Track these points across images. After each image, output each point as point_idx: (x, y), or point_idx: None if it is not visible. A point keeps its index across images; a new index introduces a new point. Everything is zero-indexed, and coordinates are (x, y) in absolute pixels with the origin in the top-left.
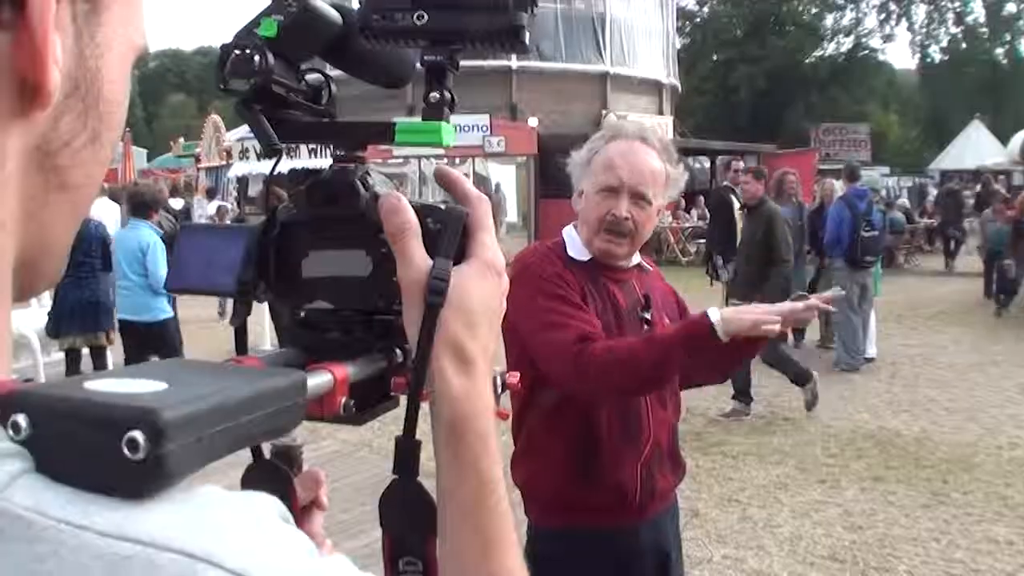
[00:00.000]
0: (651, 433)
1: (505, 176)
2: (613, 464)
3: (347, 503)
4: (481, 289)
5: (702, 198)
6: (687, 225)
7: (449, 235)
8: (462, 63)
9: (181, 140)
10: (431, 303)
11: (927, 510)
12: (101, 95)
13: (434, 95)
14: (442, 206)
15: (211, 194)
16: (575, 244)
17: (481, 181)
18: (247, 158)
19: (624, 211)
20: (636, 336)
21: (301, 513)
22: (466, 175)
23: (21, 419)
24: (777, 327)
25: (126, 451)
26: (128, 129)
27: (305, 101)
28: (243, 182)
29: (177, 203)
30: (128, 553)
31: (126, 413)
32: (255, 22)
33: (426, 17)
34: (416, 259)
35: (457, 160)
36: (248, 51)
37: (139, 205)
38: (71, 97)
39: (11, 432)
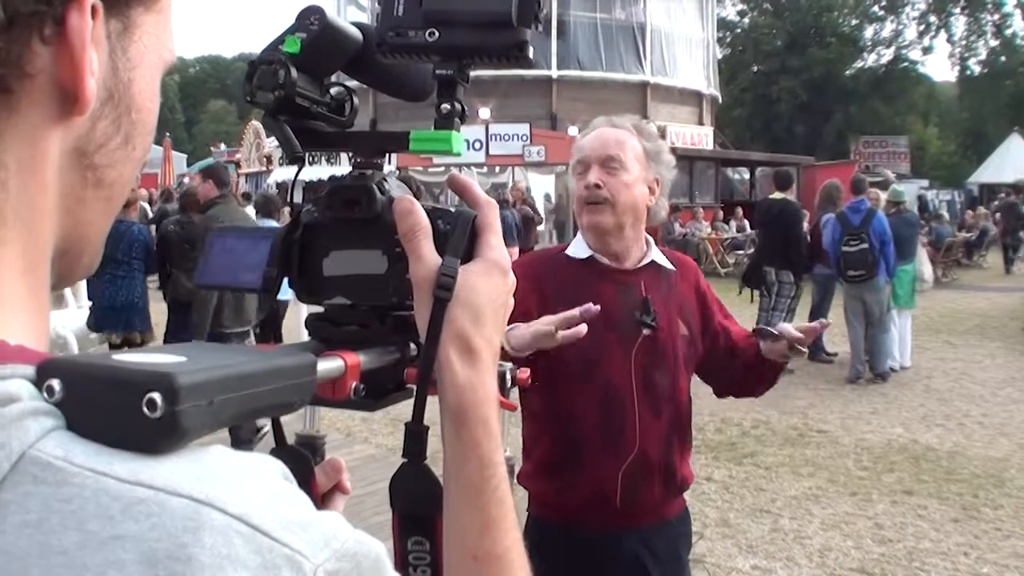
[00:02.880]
0: (637, 443)
1: (545, 185)
2: (592, 472)
3: (380, 506)
4: (487, 286)
5: (740, 209)
6: (726, 236)
7: (458, 235)
8: (502, 73)
9: (222, 145)
10: (439, 297)
11: (957, 524)
12: (133, 103)
13: (445, 106)
14: (452, 209)
15: (247, 199)
16: (578, 242)
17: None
18: (284, 164)
19: (594, 178)
20: (625, 343)
21: (324, 498)
22: (503, 184)
23: (55, 383)
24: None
25: (145, 410)
26: (167, 134)
27: (328, 113)
28: (283, 188)
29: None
30: (142, 496)
31: (146, 377)
32: (280, 39)
33: (437, 34)
34: (426, 257)
35: (497, 169)
36: (273, 66)
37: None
38: (106, 105)
39: (46, 395)
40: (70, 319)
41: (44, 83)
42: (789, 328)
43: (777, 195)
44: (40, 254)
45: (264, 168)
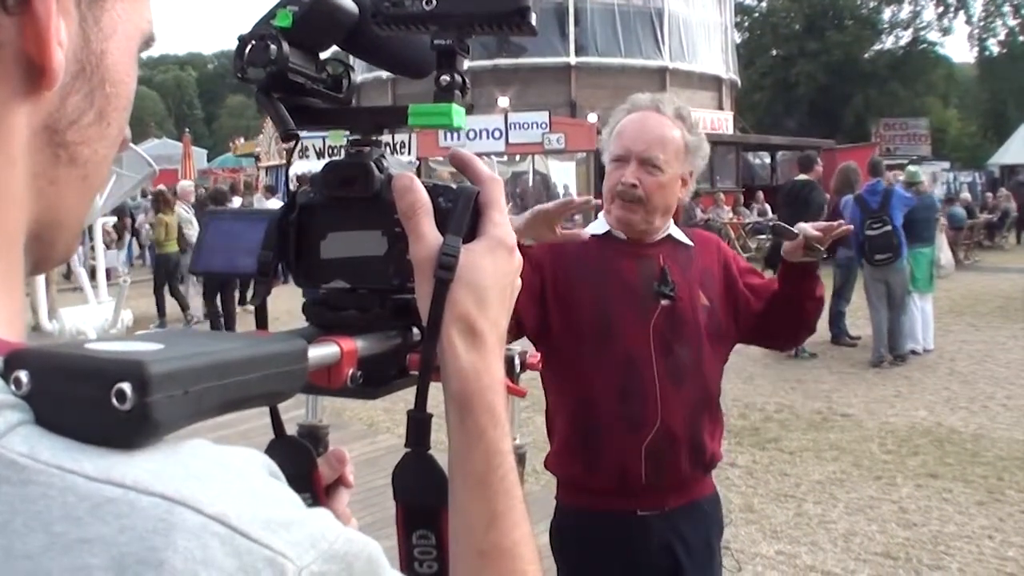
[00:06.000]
0: (659, 417)
1: (565, 173)
2: (615, 447)
3: None
4: (492, 265)
5: (761, 193)
6: (748, 221)
7: (460, 213)
8: (521, 61)
9: (241, 140)
10: (440, 278)
11: (982, 507)
12: (107, 76)
13: (445, 78)
14: (454, 185)
15: (271, 192)
16: (598, 220)
17: (539, 178)
18: (306, 156)
19: (631, 177)
20: (643, 314)
21: (327, 491)
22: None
23: (23, 375)
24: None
25: (115, 402)
26: (187, 130)
27: (324, 89)
28: (303, 180)
29: (236, 201)
30: (112, 495)
31: (116, 367)
32: (271, 13)
33: (434, 2)
34: (427, 236)
35: (517, 157)
36: (264, 41)
37: None
38: (77, 78)
39: (13, 387)
40: (90, 315)
41: (8, 56)
42: (807, 227)
43: (801, 177)
44: (11, 239)
45: (284, 161)
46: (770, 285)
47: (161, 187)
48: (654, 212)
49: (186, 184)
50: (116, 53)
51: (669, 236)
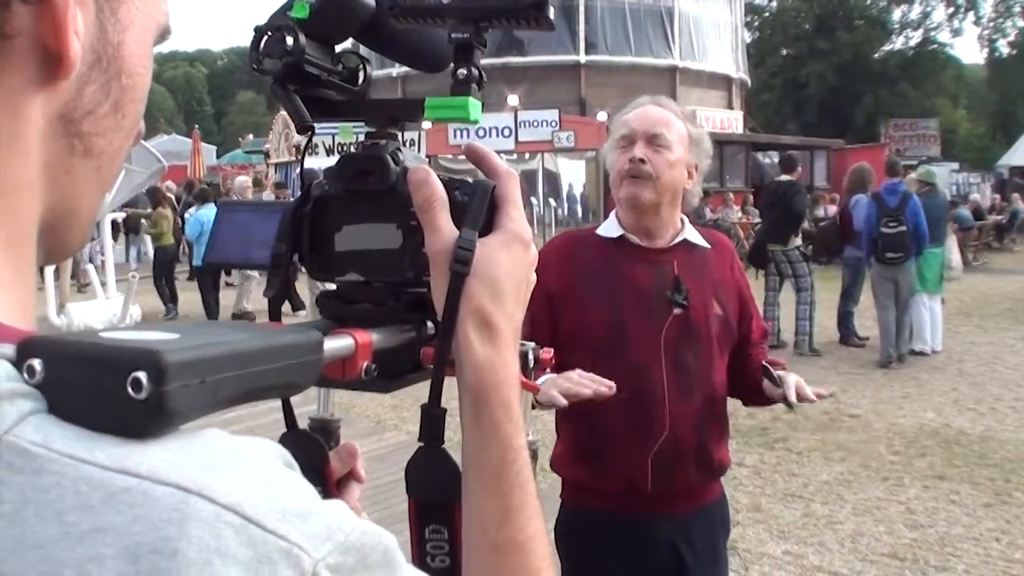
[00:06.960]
0: (667, 427)
1: (574, 171)
2: (622, 455)
3: None
4: (508, 259)
5: None
6: (756, 220)
7: (476, 207)
8: (531, 59)
9: (250, 136)
10: (456, 272)
11: (989, 509)
12: (123, 67)
13: (462, 71)
14: (470, 179)
15: (280, 188)
16: (609, 222)
17: (549, 177)
18: (315, 153)
19: (639, 152)
20: (655, 322)
21: (338, 485)
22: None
23: (36, 363)
24: (564, 402)
25: (130, 391)
26: (196, 126)
27: (340, 81)
28: (308, 178)
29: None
30: (125, 485)
31: (131, 355)
32: (288, 5)
33: None
34: (443, 230)
35: (527, 155)
36: (280, 32)
37: None
38: (93, 69)
39: (26, 375)
40: (99, 310)
41: (25, 45)
42: (791, 384)
43: (784, 178)
44: (23, 228)
45: (293, 158)
46: (758, 332)
47: (159, 183)
48: (663, 193)
49: (242, 180)
50: (132, 45)
51: (684, 240)
